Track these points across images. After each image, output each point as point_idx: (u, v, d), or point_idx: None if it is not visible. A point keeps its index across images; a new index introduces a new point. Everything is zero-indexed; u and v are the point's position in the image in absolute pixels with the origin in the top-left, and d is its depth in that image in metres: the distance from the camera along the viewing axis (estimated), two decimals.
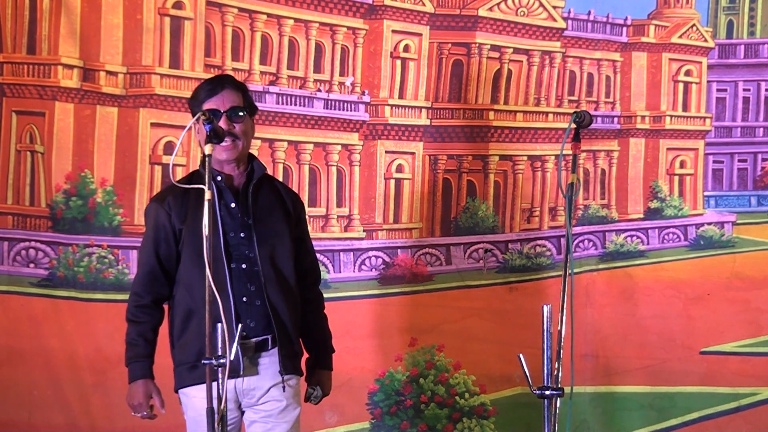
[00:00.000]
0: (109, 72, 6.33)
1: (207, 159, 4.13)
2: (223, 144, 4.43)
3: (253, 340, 4.51)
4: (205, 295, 4.18)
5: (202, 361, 4.00)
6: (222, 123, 4.45)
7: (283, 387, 4.56)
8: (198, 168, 4.64)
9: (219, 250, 4.44)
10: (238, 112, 4.52)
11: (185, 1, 6.40)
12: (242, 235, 4.55)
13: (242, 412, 4.65)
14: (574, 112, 4.18)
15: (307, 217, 4.91)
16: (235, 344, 4.03)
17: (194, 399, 4.52)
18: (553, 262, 6.84)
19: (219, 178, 4.55)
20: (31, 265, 6.30)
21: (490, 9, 6.79)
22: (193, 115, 4.43)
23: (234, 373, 4.31)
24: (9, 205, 6.29)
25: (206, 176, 4.07)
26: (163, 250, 4.57)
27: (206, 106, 4.47)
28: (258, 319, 4.51)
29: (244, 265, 4.53)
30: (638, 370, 6.80)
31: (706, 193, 7.01)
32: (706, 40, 6.99)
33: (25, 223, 6.30)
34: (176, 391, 4.65)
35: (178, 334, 4.58)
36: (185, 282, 4.56)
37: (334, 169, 6.67)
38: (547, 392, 3.97)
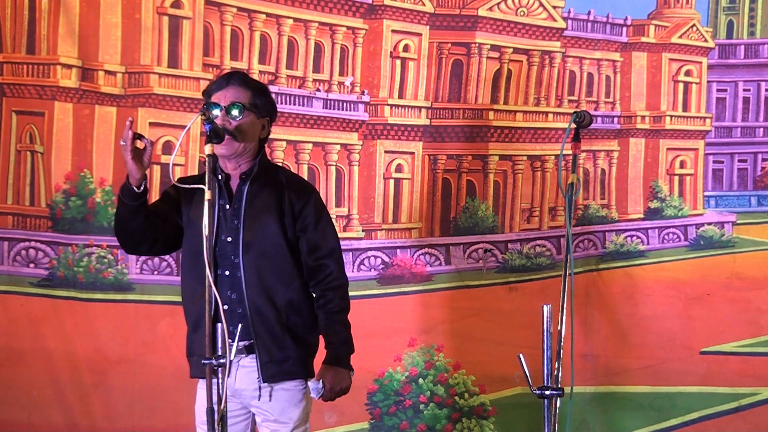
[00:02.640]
0: (107, 71, 6.33)
1: (207, 159, 4.13)
2: None
3: (242, 343, 4.47)
4: (191, 293, 4.43)
5: (202, 362, 4.02)
6: (220, 117, 4.44)
7: (259, 396, 4.55)
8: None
9: (210, 254, 4.43)
10: (234, 107, 4.50)
11: (184, 1, 6.40)
12: (229, 239, 4.53)
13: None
14: (574, 112, 4.18)
15: (320, 211, 4.73)
16: (234, 345, 4.03)
17: (199, 392, 4.55)
18: (553, 262, 6.84)
19: (220, 177, 4.55)
20: (31, 265, 6.30)
21: (490, 9, 6.78)
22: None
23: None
24: (9, 205, 6.30)
25: (206, 176, 4.08)
26: (160, 204, 4.63)
27: (212, 99, 4.50)
28: (240, 327, 4.48)
29: (227, 272, 4.52)
30: (638, 370, 6.79)
31: (706, 193, 7.01)
32: (706, 40, 6.99)
33: (25, 223, 6.30)
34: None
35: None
36: (181, 279, 4.63)
37: (333, 168, 6.66)
38: (547, 392, 3.96)
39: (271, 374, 4.52)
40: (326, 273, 4.64)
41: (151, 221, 4.51)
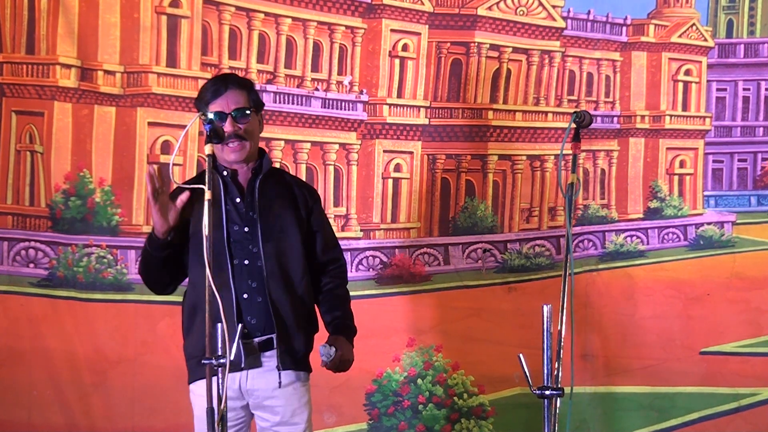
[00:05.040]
0: (106, 71, 6.33)
1: (208, 159, 4.14)
2: (231, 145, 4.50)
3: (256, 340, 4.50)
4: (203, 290, 4.25)
5: (202, 361, 4.00)
6: (228, 125, 4.47)
7: (280, 383, 4.54)
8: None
9: (222, 246, 4.46)
10: (243, 112, 4.53)
11: (182, 0, 6.39)
12: (246, 230, 4.56)
13: (252, 414, 4.65)
14: (575, 112, 4.18)
15: (325, 214, 4.92)
16: (235, 343, 4.01)
17: (201, 397, 4.52)
18: (553, 262, 6.83)
19: (225, 173, 4.57)
20: (31, 265, 6.29)
21: (489, 8, 6.78)
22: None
23: (235, 367, 4.31)
24: (9, 205, 6.29)
25: (207, 176, 4.09)
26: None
27: (211, 107, 4.52)
28: (259, 316, 4.51)
29: (246, 261, 4.55)
30: (638, 370, 6.80)
31: (706, 193, 7.01)
32: (705, 40, 6.99)
33: (24, 223, 6.30)
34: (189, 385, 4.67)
35: (187, 329, 4.62)
36: (192, 278, 4.61)
37: (331, 168, 6.66)
38: (547, 392, 3.96)
39: (284, 363, 4.55)
40: (339, 264, 4.83)
41: (177, 262, 4.56)
